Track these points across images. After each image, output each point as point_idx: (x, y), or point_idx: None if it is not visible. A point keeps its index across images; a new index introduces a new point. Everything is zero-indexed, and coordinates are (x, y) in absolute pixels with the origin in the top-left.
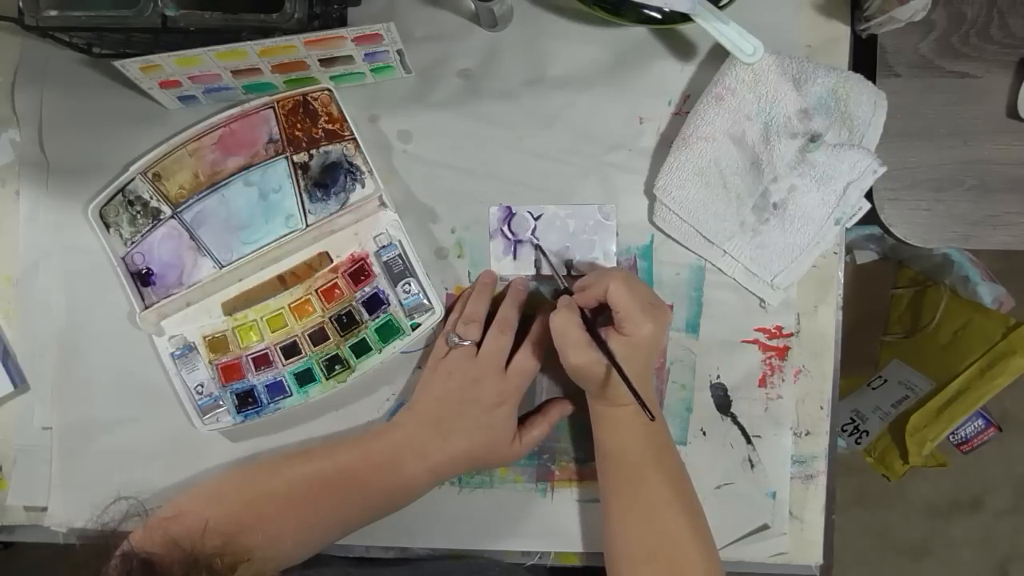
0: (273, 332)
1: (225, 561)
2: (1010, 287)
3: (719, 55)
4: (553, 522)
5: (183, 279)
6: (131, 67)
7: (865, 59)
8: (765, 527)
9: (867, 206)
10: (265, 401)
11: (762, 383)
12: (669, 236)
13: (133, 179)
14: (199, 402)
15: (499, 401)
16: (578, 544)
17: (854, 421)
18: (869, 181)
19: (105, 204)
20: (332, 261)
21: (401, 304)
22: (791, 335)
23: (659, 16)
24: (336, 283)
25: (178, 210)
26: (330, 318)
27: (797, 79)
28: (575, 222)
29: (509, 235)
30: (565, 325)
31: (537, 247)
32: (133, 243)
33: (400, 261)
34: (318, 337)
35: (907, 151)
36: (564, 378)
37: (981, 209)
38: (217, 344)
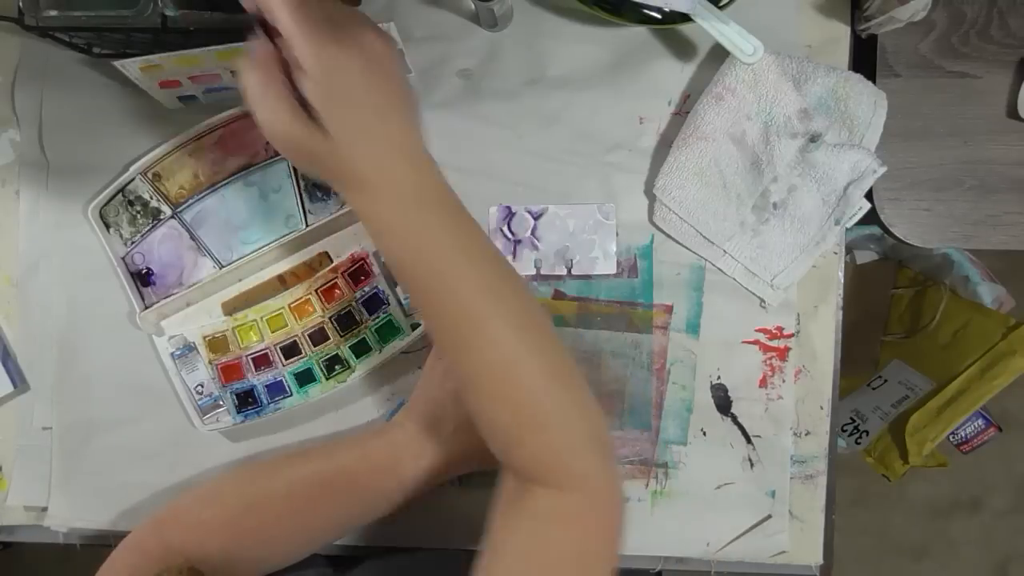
0: (273, 332)
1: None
2: (1010, 287)
3: (719, 55)
4: None
5: (183, 279)
6: (131, 67)
7: (865, 59)
8: (768, 517)
9: (867, 206)
10: (265, 401)
11: (762, 383)
12: (669, 236)
13: (133, 179)
14: (199, 402)
15: None
16: None
17: (854, 421)
18: (869, 181)
19: (105, 204)
20: (332, 261)
21: (401, 304)
22: (791, 335)
23: (659, 16)
24: (336, 283)
25: (178, 210)
26: (330, 318)
27: (797, 79)
28: (575, 222)
29: (509, 235)
30: (261, 86)
31: None
32: (133, 243)
33: None
34: (318, 337)
35: (907, 151)
36: None
37: (981, 209)
38: (217, 344)
